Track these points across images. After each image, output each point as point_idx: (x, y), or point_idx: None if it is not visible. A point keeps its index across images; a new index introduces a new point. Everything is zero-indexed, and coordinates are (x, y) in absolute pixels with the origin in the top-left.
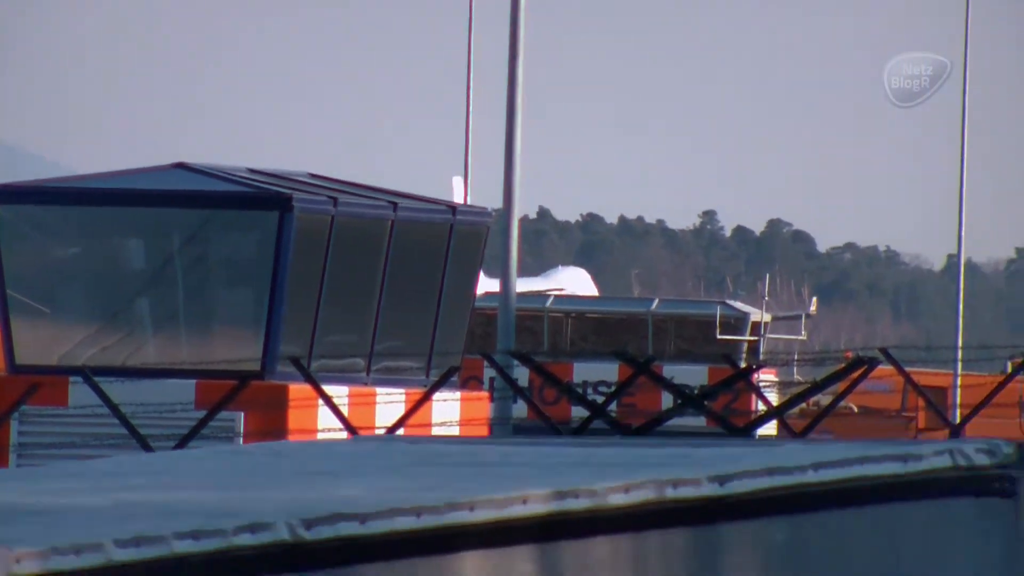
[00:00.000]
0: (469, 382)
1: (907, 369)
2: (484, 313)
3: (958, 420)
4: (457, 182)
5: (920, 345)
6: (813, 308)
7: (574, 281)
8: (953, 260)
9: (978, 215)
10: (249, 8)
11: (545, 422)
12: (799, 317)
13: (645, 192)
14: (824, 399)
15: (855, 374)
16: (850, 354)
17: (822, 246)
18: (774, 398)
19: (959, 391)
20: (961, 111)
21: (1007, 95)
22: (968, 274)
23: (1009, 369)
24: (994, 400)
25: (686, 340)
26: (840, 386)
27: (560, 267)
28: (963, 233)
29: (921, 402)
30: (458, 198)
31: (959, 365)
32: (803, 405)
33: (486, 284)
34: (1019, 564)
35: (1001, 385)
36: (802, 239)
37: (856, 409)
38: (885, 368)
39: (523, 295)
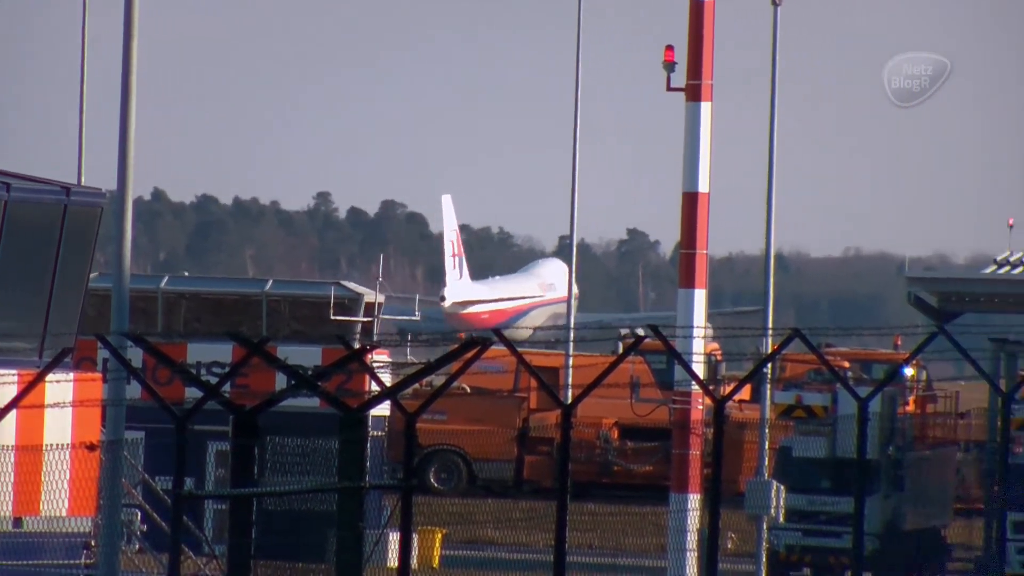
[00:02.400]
0: (83, 363)
1: (520, 350)
2: (98, 293)
3: (570, 400)
4: (447, 200)
5: (533, 326)
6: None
7: (554, 273)
8: (565, 241)
9: (589, 196)
10: None
11: (159, 403)
12: (749, 314)
13: (259, 173)
14: (438, 380)
15: (468, 355)
16: (463, 335)
17: (435, 227)
18: (388, 379)
19: (571, 371)
20: (574, 97)
21: (618, 79)
22: (580, 255)
23: (620, 350)
24: (606, 380)
25: (300, 321)
26: (454, 367)
27: (540, 260)
28: (575, 214)
29: (534, 382)
30: (448, 216)
31: (571, 345)
32: (417, 386)
33: (473, 287)
34: None
35: (612, 365)
36: (416, 221)
37: (469, 389)
38: (498, 349)
39: (298, 283)
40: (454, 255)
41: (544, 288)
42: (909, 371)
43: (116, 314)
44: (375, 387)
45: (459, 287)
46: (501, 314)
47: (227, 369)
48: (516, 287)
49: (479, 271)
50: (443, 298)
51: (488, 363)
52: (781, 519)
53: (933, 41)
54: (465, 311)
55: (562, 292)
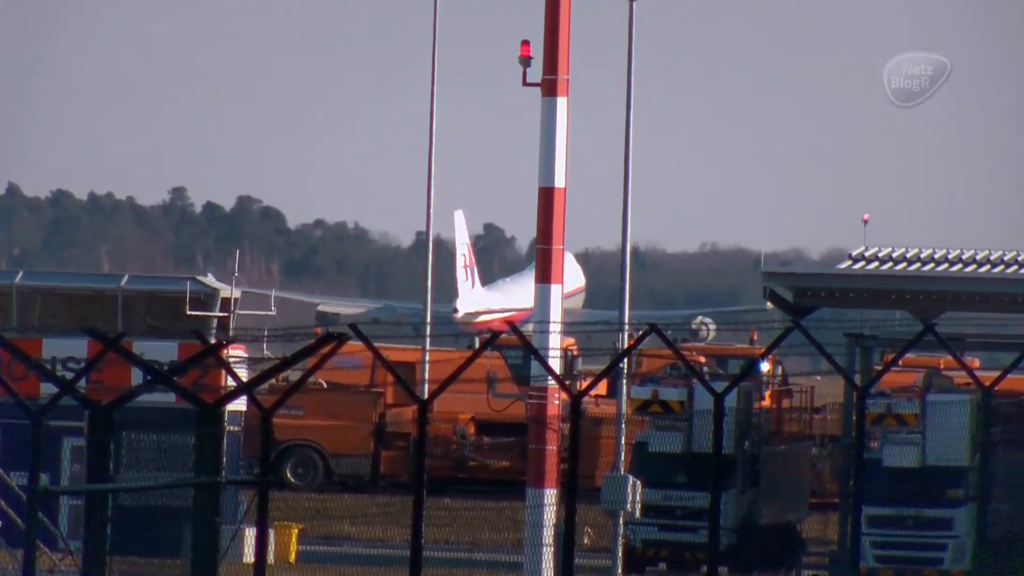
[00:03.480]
0: None
1: (376, 345)
2: None
3: (427, 395)
4: (459, 216)
5: (390, 321)
6: (770, 305)
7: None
8: (422, 237)
9: (446, 192)
10: None
11: (14, 399)
12: (750, 312)
13: (114, 168)
14: (294, 375)
15: (324, 350)
16: (319, 330)
17: (292, 223)
18: (244, 374)
19: (428, 366)
20: (430, 92)
21: (475, 73)
22: (437, 251)
23: (477, 344)
24: (463, 375)
25: (156, 316)
26: (310, 361)
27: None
28: (432, 211)
29: (390, 377)
30: (460, 231)
31: (428, 341)
32: (273, 381)
33: (484, 296)
34: None
35: (469, 360)
36: (272, 216)
37: (325, 384)
38: (355, 344)
39: (154, 278)
40: (465, 267)
41: None
42: (765, 366)
43: None
44: (232, 382)
45: (470, 298)
46: (513, 318)
47: (83, 365)
48: (525, 288)
49: (332, 266)
50: (455, 310)
51: (345, 358)
52: (637, 514)
53: (924, 41)
54: (477, 320)
55: (572, 285)
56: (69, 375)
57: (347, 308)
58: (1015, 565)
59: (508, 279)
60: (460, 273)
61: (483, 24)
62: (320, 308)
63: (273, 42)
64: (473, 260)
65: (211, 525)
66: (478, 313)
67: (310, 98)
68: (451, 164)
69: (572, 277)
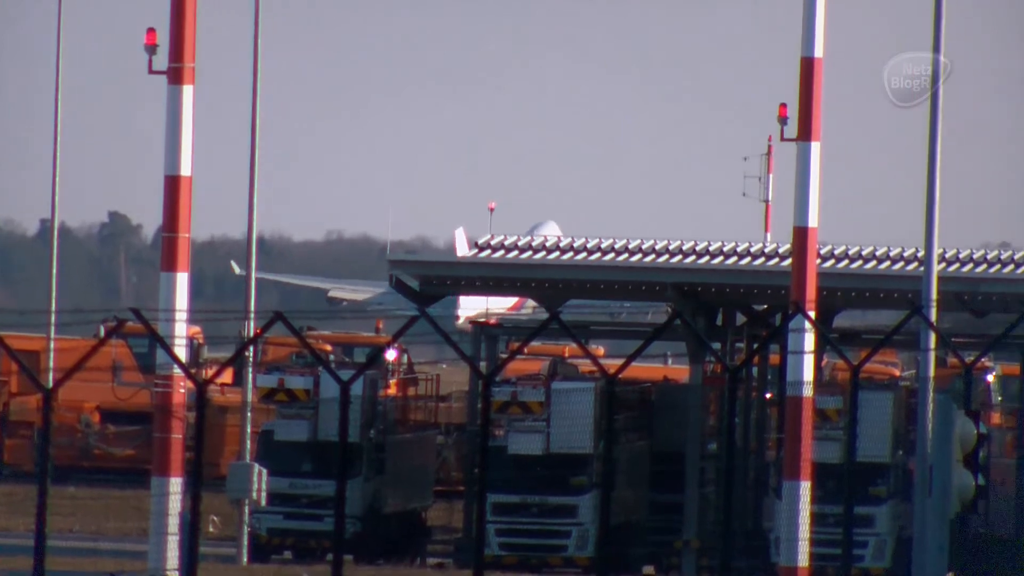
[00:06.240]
0: None
1: (0, 334)
2: None
3: (51, 383)
4: (459, 234)
5: (14, 309)
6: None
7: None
8: (46, 224)
9: (70, 178)
10: None
11: None
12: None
13: None
14: None
15: None
16: None
17: None
18: None
19: (53, 355)
20: (55, 76)
21: (102, 60)
22: (61, 238)
23: (102, 333)
24: (89, 364)
25: None
26: None
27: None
28: (57, 198)
29: (15, 365)
30: (460, 245)
31: (53, 329)
32: None
33: (479, 299)
34: None
35: (94, 349)
36: None
37: None
38: None
39: None
40: None
41: None
42: (391, 354)
43: None
44: None
45: (467, 305)
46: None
47: None
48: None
49: None
50: (457, 317)
51: None
52: (263, 502)
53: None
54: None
55: None
56: None
57: (356, 293)
58: (637, 552)
59: None
60: None
61: (111, 10)
62: (330, 294)
63: None
64: None
65: None
66: (476, 318)
67: None
68: (78, 149)
69: None
